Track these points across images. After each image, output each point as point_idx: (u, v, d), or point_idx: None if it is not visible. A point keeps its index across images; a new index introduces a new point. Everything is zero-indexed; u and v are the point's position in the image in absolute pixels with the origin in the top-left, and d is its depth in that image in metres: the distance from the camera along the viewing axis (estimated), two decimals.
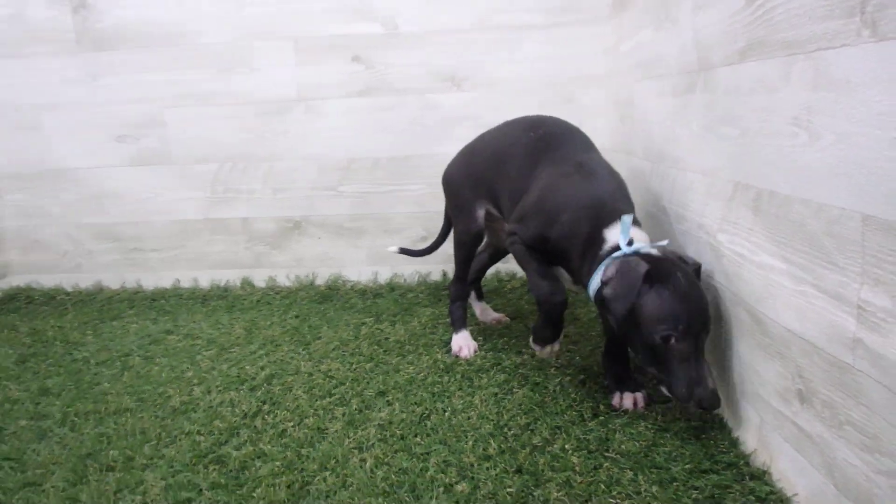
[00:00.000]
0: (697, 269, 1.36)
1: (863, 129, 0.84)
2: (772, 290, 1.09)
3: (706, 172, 1.36)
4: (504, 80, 2.37)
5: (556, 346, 1.60)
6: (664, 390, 1.30)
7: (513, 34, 2.33)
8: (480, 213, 1.81)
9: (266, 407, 1.52)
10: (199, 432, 1.42)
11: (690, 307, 1.24)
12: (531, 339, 1.61)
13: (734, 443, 1.26)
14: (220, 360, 1.83)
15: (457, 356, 1.79)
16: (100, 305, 2.41)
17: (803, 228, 0.99)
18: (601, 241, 1.40)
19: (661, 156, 1.67)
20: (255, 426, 1.43)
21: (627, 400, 1.44)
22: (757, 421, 1.19)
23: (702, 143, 1.38)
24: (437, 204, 2.48)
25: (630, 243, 1.36)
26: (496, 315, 2.09)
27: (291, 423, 1.43)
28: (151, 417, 1.51)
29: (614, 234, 1.39)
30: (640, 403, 1.43)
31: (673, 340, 1.24)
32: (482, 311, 2.12)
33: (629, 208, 1.47)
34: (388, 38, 2.36)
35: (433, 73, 2.38)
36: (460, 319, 1.89)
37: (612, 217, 1.41)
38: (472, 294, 2.11)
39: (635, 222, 1.43)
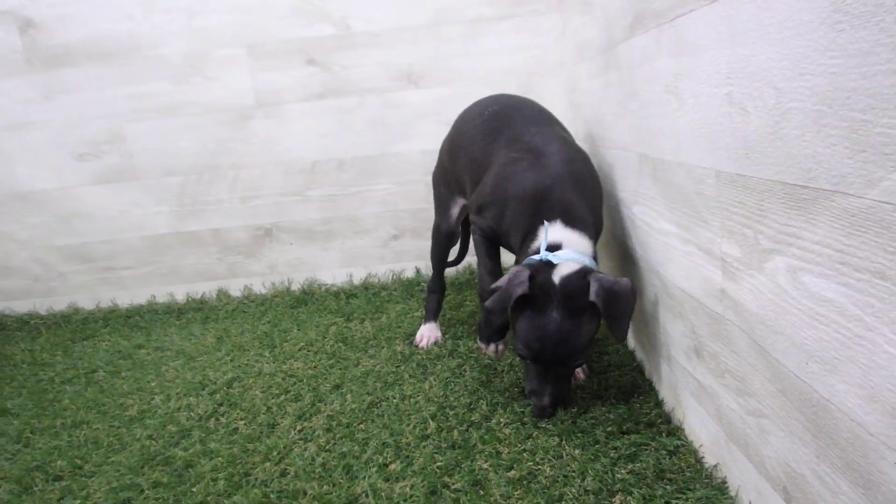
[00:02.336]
0: (625, 287, 1.29)
1: (708, 89, 0.94)
2: (669, 253, 1.19)
3: (622, 147, 1.46)
4: (462, 75, 2.46)
5: (501, 347, 1.65)
6: None
7: (467, 28, 2.43)
8: (454, 211, 1.88)
9: (222, 409, 1.63)
10: (150, 437, 1.53)
11: (543, 344, 1.30)
12: (477, 337, 1.68)
13: (658, 403, 1.37)
14: (186, 368, 1.94)
15: (416, 346, 1.89)
16: (73, 327, 2.53)
17: (683, 191, 1.09)
18: (535, 235, 1.41)
19: (593, 137, 1.77)
20: (207, 427, 1.54)
21: None
22: (673, 380, 1.29)
23: (618, 119, 1.48)
24: (404, 202, 2.59)
25: (555, 248, 1.36)
26: None
27: (244, 422, 1.54)
28: (106, 427, 1.62)
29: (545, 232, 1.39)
30: (580, 376, 1.53)
31: (527, 361, 1.37)
32: None
33: (576, 194, 1.42)
34: (341, 40, 2.46)
35: (389, 72, 2.47)
36: (430, 311, 2.00)
37: (551, 211, 1.40)
38: None
39: (577, 221, 1.39)
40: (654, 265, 1.30)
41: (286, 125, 2.53)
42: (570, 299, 1.29)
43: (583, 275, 1.31)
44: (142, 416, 1.66)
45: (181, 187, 2.59)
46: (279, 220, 2.63)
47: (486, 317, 1.60)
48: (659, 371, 1.39)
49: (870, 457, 0.66)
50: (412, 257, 2.65)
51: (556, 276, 1.31)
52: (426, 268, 2.49)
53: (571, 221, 1.39)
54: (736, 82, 0.86)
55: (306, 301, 2.53)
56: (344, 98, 2.51)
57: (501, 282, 1.35)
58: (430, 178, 2.00)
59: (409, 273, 2.66)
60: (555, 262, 1.33)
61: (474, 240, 1.63)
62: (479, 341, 1.66)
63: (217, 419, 1.58)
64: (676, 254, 1.15)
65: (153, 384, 1.85)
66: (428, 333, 1.94)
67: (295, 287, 2.67)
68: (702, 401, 1.13)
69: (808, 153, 0.71)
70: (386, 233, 2.63)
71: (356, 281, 2.67)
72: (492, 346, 1.63)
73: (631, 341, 1.64)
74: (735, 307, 0.94)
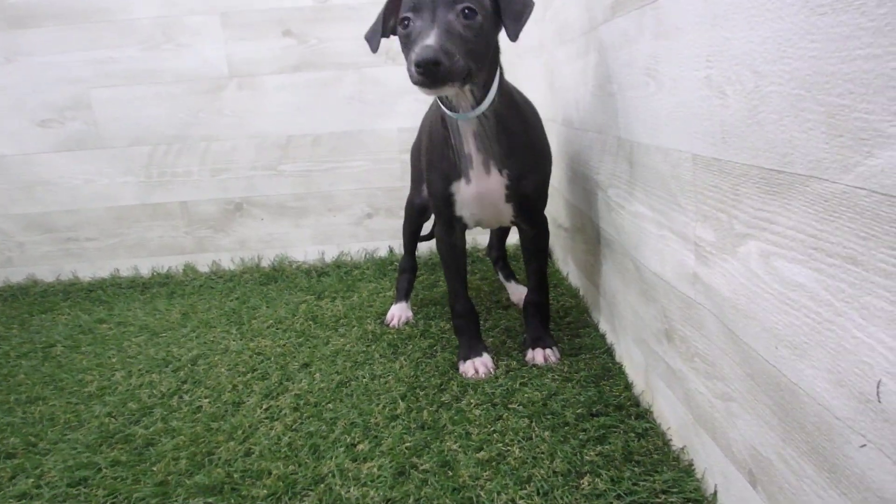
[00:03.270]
0: None
1: (686, 72, 0.95)
2: (643, 237, 1.21)
3: (599, 130, 1.47)
4: None
5: (480, 366, 1.53)
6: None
7: None
8: (425, 186, 1.88)
9: (186, 386, 1.62)
10: (109, 414, 1.51)
11: None
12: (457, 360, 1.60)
13: (628, 386, 1.39)
14: (149, 344, 1.93)
15: (387, 326, 1.90)
16: (31, 299, 2.50)
17: (659, 175, 1.10)
18: None
19: (572, 120, 1.77)
20: (169, 405, 1.53)
21: (538, 356, 1.55)
22: (643, 363, 1.31)
23: (596, 102, 1.48)
24: (380, 180, 2.58)
25: None
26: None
27: (208, 400, 1.53)
28: (63, 404, 1.59)
29: None
30: (551, 359, 1.55)
31: (409, 23, 1.29)
32: (513, 291, 2.09)
33: None
34: (318, 11, 2.43)
35: (368, 47, 2.44)
36: (402, 291, 2.01)
37: None
38: (500, 274, 2.20)
39: None
40: (628, 248, 1.31)
41: (260, 97, 2.51)
42: None
43: None
44: (101, 392, 1.63)
45: (149, 157, 2.56)
46: (250, 194, 2.61)
47: (456, 329, 1.64)
48: (629, 354, 1.41)
49: (836, 441, 0.68)
50: (386, 236, 2.65)
51: None
52: (399, 247, 2.50)
53: None
54: (715, 65, 0.86)
55: (276, 278, 2.52)
56: (321, 72, 2.49)
57: None
58: (407, 157, 2.00)
59: (382, 252, 2.66)
60: None
61: (438, 251, 1.67)
62: (459, 365, 1.57)
63: (180, 397, 1.57)
64: (651, 237, 1.17)
65: (114, 360, 1.83)
66: (399, 313, 1.95)
67: (265, 263, 2.66)
68: (671, 384, 1.15)
69: (785, 138, 0.72)
70: (360, 210, 2.63)
71: (328, 259, 2.66)
72: (468, 364, 1.54)
73: (602, 324, 1.66)
74: (707, 291, 0.95)
